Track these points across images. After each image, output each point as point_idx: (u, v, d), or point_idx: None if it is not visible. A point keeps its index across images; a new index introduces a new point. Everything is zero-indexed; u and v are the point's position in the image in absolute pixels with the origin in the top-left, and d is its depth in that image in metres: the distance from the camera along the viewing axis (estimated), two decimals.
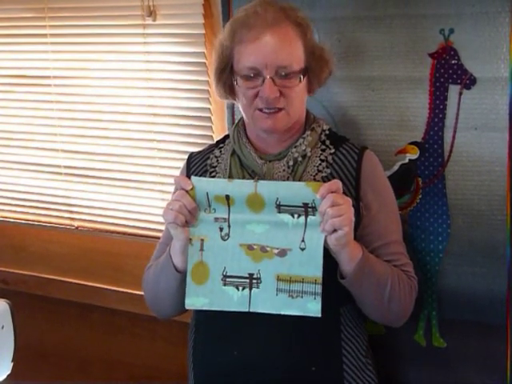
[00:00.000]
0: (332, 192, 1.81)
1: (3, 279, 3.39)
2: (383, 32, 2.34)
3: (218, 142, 2.26)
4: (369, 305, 2.05)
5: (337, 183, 1.83)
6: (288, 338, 1.95)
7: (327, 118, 2.38)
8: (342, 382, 2.05)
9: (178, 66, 2.82)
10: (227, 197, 1.91)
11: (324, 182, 2.00)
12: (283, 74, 1.95)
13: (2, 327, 2.00)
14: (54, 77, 3.11)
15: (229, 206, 1.93)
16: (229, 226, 1.94)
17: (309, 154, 2.08)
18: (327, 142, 2.12)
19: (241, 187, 1.91)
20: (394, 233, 2.12)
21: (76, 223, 3.21)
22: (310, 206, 1.88)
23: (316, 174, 2.06)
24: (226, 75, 2.07)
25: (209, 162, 2.19)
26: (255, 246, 1.94)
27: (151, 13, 2.76)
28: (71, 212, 3.22)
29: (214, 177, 2.14)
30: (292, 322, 1.93)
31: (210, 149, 2.23)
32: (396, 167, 2.37)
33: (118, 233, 3.09)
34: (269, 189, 1.89)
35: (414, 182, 2.37)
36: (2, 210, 3.39)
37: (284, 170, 2.05)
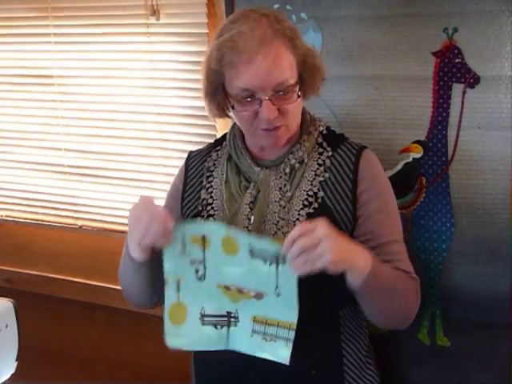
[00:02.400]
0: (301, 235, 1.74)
1: (7, 278, 3.40)
2: (387, 31, 2.34)
3: (216, 141, 2.24)
4: (376, 312, 2.03)
5: (298, 230, 1.75)
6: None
7: (330, 117, 2.39)
8: (342, 382, 2.04)
9: (181, 64, 2.83)
10: (203, 237, 1.88)
11: (322, 186, 2.01)
12: (280, 92, 1.91)
13: (6, 326, 2.01)
14: (58, 76, 3.12)
15: (204, 248, 1.89)
16: (204, 268, 1.91)
17: (306, 160, 2.05)
18: (324, 144, 2.09)
19: (215, 229, 1.88)
20: (392, 233, 2.08)
21: (80, 222, 3.22)
22: (280, 256, 1.83)
23: (314, 178, 2.04)
24: (219, 96, 2.03)
25: (206, 164, 2.17)
26: (232, 287, 1.90)
27: (154, 12, 2.76)
28: (75, 211, 3.22)
29: (211, 182, 2.13)
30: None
31: (208, 150, 2.22)
32: (400, 166, 2.38)
33: (122, 232, 3.09)
34: (242, 235, 1.86)
35: (417, 181, 2.38)
36: (6, 209, 3.39)
37: (281, 177, 2.03)
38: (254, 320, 1.90)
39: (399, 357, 2.32)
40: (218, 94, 2.02)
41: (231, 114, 2.04)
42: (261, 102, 1.90)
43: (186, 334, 1.94)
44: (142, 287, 2.07)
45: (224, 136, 2.20)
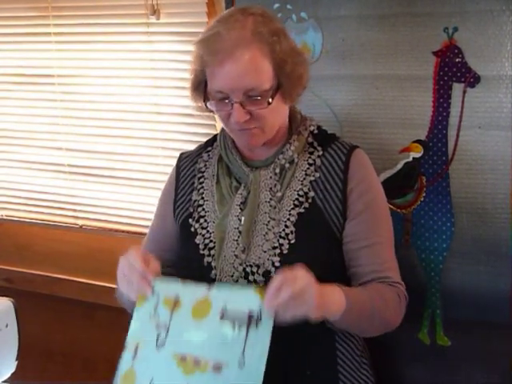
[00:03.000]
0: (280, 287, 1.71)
1: (7, 278, 3.40)
2: (387, 30, 2.34)
3: (206, 143, 2.23)
4: (358, 332, 2.07)
5: (280, 279, 1.72)
6: (282, 344, 1.89)
7: (331, 116, 2.39)
8: (337, 382, 2.04)
9: (181, 64, 2.82)
10: (176, 301, 1.84)
11: (312, 186, 2.01)
12: (252, 96, 1.89)
13: (6, 325, 2.01)
14: (58, 75, 3.12)
15: (172, 312, 1.84)
16: (167, 333, 1.84)
17: (296, 160, 2.04)
18: (315, 144, 2.08)
19: (194, 291, 1.83)
20: (379, 235, 2.06)
21: (80, 222, 3.22)
22: (255, 316, 1.76)
23: (304, 178, 2.03)
24: (201, 93, 2.01)
25: (197, 166, 2.17)
26: (188, 357, 1.81)
27: (155, 11, 2.77)
28: (75, 211, 3.23)
29: (202, 183, 2.13)
30: (286, 329, 1.93)
31: (199, 151, 2.21)
32: (400, 165, 2.38)
33: (123, 231, 3.10)
34: (221, 294, 1.81)
35: (417, 181, 2.38)
36: (6, 209, 3.40)
37: (271, 178, 2.02)
38: None
39: (400, 356, 2.33)
40: (200, 91, 2.01)
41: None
42: (232, 104, 1.90)
43: None
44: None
45: (215, 137, 2.21)
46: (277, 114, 1.98)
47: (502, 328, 2.32)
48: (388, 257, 2.06)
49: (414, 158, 2.37)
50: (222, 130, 2.11)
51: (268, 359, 1.72)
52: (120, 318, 3.09)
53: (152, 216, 2.88)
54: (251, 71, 1.87)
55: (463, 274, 2.35)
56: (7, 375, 2.05)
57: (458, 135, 2.30)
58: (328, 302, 1.80)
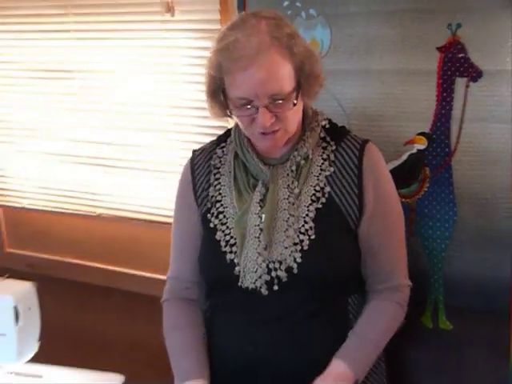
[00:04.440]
0: None
1: (30, 263, 3.42)
2: (393, 26, 2.33)
3: (219, 138, 2.21)
4: None
5: None
6: (299, 333, 1.94)
7: (338, 109, 2.39)
8: None
9: (195, 59, 2.82)
10: None
11: (328, 181, 2.02)
12: (276, 99, 1.88)
13: (29, 308, 2.02)
14: (78, 71, 3.13)
15: None
16: None
17: (310, 156, 2.04)
18: (327, 139, 2.08)
19: None
20: (391, 236, 2.09)
21: (98, 210, 3.23)
22: None
23: (320, 173, 2.03)
24: (219, 99, 2.00)
25: (212, 162, 2.16)
26: None
27: (170, 9, 2.77)
28: (93, 200, 3.24)
29: (218, 179, 2.13)
30: (303, 319, 1.95)
31: (212, 147, 2.19)
32: (405, 157, 2.37)
33: (139, 220, 3.11)
34: None
35: (421, 172, 2.38)
36: (28, 198, 3.41)
37: (288, 175, 2.02)
38: None
39: (404, 338, 2.32)
40: (219, 97, 2.00)
41: (232, 116, 2.03)
42: (257, 108, 1.88)
43: None
44: None
45: (227, 132, 2.20)
46: (297, 112, 1.99)
47: (501, 314, 2.31)
48: (399, 258, 2.10)
49: (418, 150, 2.37)
50: (236, 127, 2.10)
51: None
52: (134, 302, 3.12)
53: (166, 205, 2.89)
54: (274, 76, 1.86)
55: (465, 261, 2.35)
56: (30, 355, 2.05)
57: (460, 128, 2.30)
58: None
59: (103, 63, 3.06)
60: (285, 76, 1.88)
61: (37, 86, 3.24)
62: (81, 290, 3.33)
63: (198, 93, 2.82)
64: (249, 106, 1.89)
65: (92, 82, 3.11)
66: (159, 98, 2.96)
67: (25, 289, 2.03)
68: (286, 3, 2.45)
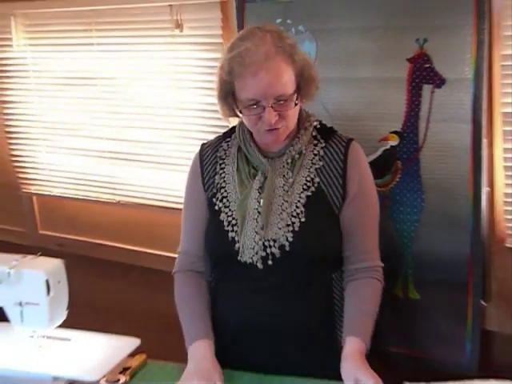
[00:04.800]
0: None
1: (60, 243, 3.42)
2: (370, 41, 2.35)
3: (224, 134, 2.22)
4: None
5: None
6: (290, 301, 1.96)
7: (324, 111, 2.39)
8: (335, 338, 2.05)
9: (200, 68, 2.83)
10: None
11: (317, 173, 2.04)
12: (281, 101, 1.92)
13: (59, 282, 2.02)
14: (100, 78, 3.13)
15: None
16: None
17: (304, 152, 2.06)
18: (318, 137, 2.10)
19: None
20: (368, 227, 2.10)
21: (118, 198, 3.23)
22: None
23: (311, 166, 2.05)
24: (229, 101, 2.03)
25: (218, 154, 2.16)
26: None
27: (179, 26, 2.77)
28: (113, 188, 3.23)
29: (223, 168, 2.13)
30: (293, 289, 1.98)
31: (218, 141, 2.20)
32: (379, 152, 2.39)
33: (152, 205, 3.11)
34: None
35: (394, 164, 2.39)
36: (59, 187, 3.41)
37: (284, 166, 2.04)
38: None
39: (380, 306, 2.33)
40: (229, 99, 2.03)
41: (240, 115, 2.04)
42: (264, 108, 1.92)
43: None
44: None
45: (231, 129, 2.20)
46: (296, 112, 2.02)
47: (461, 285, 2.34)
48: (372, 240, 2.11)
49: (391, 146, 2.38)
50: (240, 125, 2.12)
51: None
52: (151, 277, 3.13)
53: (176, 192, 2.89)
54: (279, 80, 1.90)
55: (431, 241, 2.37)
56: (60, 322, 2.06)
57: (427, 127, 2.31)
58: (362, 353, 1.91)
59: (122, 72, 3.06)
60: (288, 80, 1.92)
61: (66, 91, 3.24)
62: (103, 266, 3.34)
63: (203, 97, 2.84)
64: (255, 106, 1.93)
65: (112, 88, 3.11)
66: (169, 101, 2.96)
67: (55, 265, 2.03)
68: (278, 20, 2.46)
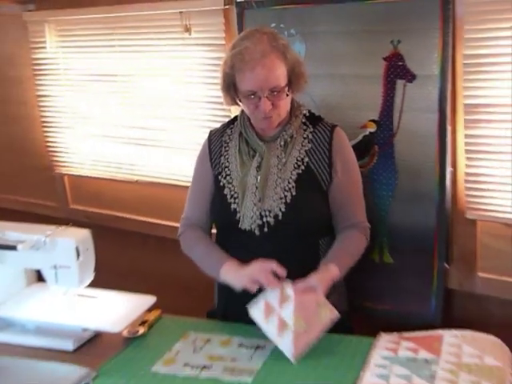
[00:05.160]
0: None
1: (87, 216, 3.43)
2: (351, 42, 2.36)
3: (228, 122, 2.24)
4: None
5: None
6: (282, 262, 1.92)
7: (312, 103, 2.40)
8: None
9: (206, 66, 2.83)
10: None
11: (307, 154, 2.06)
12: (275, 92, 1.95)
13: (87, 249, 2.04)
14: (121, 75, 3.13)
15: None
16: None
17: (295, 136, 2.08)
18: (307, 123, 2.12)
19: None
20: (354, 193, 2.13)
21: (136, 177, 3.23)
22: None
23: (301, 148, 2.08)
24: (231, 91, 2.05)
25: (223, 138, 2.18)
26: None
27: (188, 30, 2.78)
28: (133, 169, 3.23)
29: (227, 150, 2.14)
30: (286, 252, 1.99)
31: (223, 128, 2.22)
32: (360, 137, 2.40)
33: (165, 184, 3.11)
34: None
35: (372, 148, 2.40)
36: (86, 168, 3.41)
37: (278, 148, 2.06)
38: None
39: (359, 270, 2.35)
40: (231, 90, 2.05)
41: (240, 104, 2.06)
42: (260, 98, 1.95)
43: None
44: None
45: (234, 118, 2.22)
46: (288, 102, 2.04)
47: (427, 250, 2.36)
48: (360, 209, 2.14)
49: (369, 132, 2.39)
50: (242, 113, 2.14)
51: None
52: (165, 244, 3.14)
53: (185, 172, 2.90)
54: (274, 73, 1.93)
55: (403, 213, 2.39)
56: (88, 282, 2.08)
57: (400, 116, 2.32)
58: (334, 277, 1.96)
59: (139, 69, 3.05)
60: (280, 74, 1.95)
61: (92, 86, 3.24)
62: (124, 236, 3.35)
63: (208, 91, 2.84)
64: (253, 97, 1.96)
65: (131, 83, 3.10)
66: (179, 94, 2.95)
67: (83, 234, 2.04)
68: (273, 25, 2.46)
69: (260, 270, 1.90)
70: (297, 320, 1.81)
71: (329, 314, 1.85)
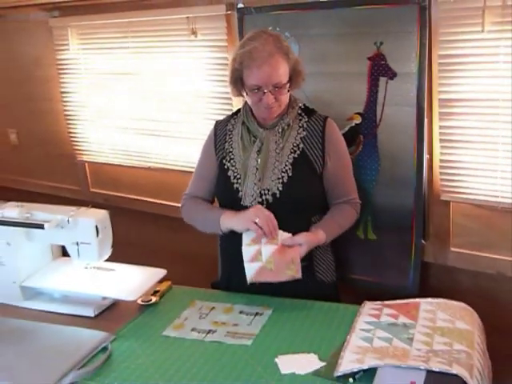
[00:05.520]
0: None
1: (106, 198, 3.43)
2: (340, 43, 2.35)
3: (233, 113, 2.23)
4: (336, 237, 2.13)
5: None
6: None
7: (304, 97, 2.37)
8: (311, 259, 2.08)
9: (211, 65, 2.81)
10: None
11: (302, 141, 2.07)
12: (277, 87, 1.96)
13: (105, 227, 2.03)
14: (134, 73, 3.10)
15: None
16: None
17: (291, 124, 2.08)
18: (303, 114, 2.12)
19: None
20: (346, 175, 2.15)
21: (148, 164, 3.22)
22: None
23: (296, 135, 2.08)
24: (238, 85, 2.05)
25: (227, 127, 2.18)
26: None
27: (194, 32, 2.76)
28: (146, 157, 3.22)
29: (231, 137, 2.14)
30: (282, 227, 1.96)
31: (228, 118, 2.21)
32: (347, 128, 2.38)
33: (175, 170, 3.10)
34: None
35: (358, 138, 2.38)
36: (104, 156, 3.40)
37: (276, 135, 2.06)
38: None
39: (345, 245, 2.35)
40: (238, 83, 2.04)
41: (245, 96, 2.06)
42: (264, 92, 1.96)
43: None
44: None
45: (238, 110, 2.21)
46: (287, 96, 2.05)
47: (406, 228, 2.36)
48: (352, 187, 2.17)
49: (355, 124, 2.38)
50: (244, 105, 2.13)
51: None
52: (175, 224, 3.12)
53: (192, 159, 2.89)
54: (277, 71, 1.95)
55: (385, 195, 2.38)
56: (107, 256, 2.08)
57: (382, 110, 2.31)
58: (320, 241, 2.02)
59: (151, 68, 3.03)
60: (283, 72, 1.97)
61: (110, 83, 3.22)
62: (138, 216, 3.34)
63: (214, 87, 2.83)
64: (257, 91, 1.97)
65: (145, 81, 3.08)
66: (187, 90, 2.93)
67: (102, 214, 2.03)
68: (270, 28, 2.42)
69: (257, 211, 1.94)
70: (269, 260, 1.89)
71: (294, 272, 1.89)
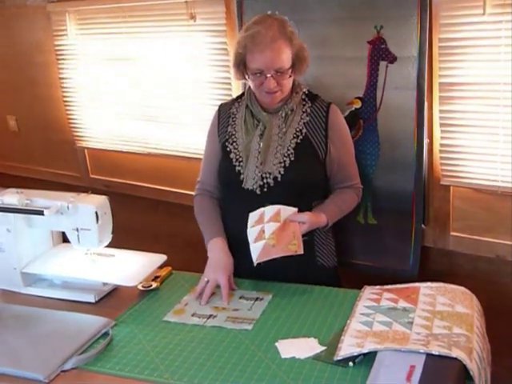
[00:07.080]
0: None
1: (106, 184, 3.43)
2: (339, 28, 2.34)
3: (237, 97, 2.23)
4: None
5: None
6: None
7: (304, 81, 2.36)
8: (313, 243, 2.10)
9: (210, 50, 2.80)
10: None
11: (305, 126, 2.07)
12: (279, 72, 1.96)
13: (105, 213, 2.03)
14: (132, 58, 3.09)
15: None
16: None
17: (295, 109, 2.08)
18: (306, 99, 2.12)
19: None
20: (349, 161, 2.15)
21: (148, 150, 3.22)
22: None
23: (300, 120, 2.08)
24: (241, 68, 2.05)
25: (231, 110, 2.18)
26: None
27: (193, 17, 2.74)
28: (146, 143, 3.22)
29: (234, 120, 2.14)
30: None
31: (232, 102, 2.22)
32: (347, 113, 2.37)
33: (174, 156, 3.10)
34: None
35: (358, 122, 2.38)
36: (104, 142, 3.40)
37: (279, 119, 2.06)
38: None
39: (346, 230, 2.36)
40: (241, 66, 2.04)
41: (248, 79, 2.06)
42: (266, 77, 1.96)
43: None
44: None
45: (242, 94, 2.21)
46: (290, 82, 2.04)
47: (406, 212, 2.36)
48: (354, 173, 2.18)
49: (355, 108, 2.37)
50: (248, 90, 2.13)
51: None
52: (174, 209, 3.14)
53: (192, 145, 2.88)
54: (280, 56, 1.94)
55: (385, 180, 2.38)
56: (107, 243, 2.08)
57: (382, 94, 2.30)
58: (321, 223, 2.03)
59: (149, 53, 3.02)
60: (286, 57, 1.96)
61: (109, 69, 3.20)
62: (138, 201, 3.35)
63: (213, 72, 2.82)
64: (259, 75, 1.97)
65: (143, 66, 3.07)
66: (186, 75, 2.92)
67: (102, 200, 2.03)
68: (269, 12, 2.41)
69: (216, 275, 1.96)
70: (271, 236, 1.89)
71: (296, 247, 1.89)
